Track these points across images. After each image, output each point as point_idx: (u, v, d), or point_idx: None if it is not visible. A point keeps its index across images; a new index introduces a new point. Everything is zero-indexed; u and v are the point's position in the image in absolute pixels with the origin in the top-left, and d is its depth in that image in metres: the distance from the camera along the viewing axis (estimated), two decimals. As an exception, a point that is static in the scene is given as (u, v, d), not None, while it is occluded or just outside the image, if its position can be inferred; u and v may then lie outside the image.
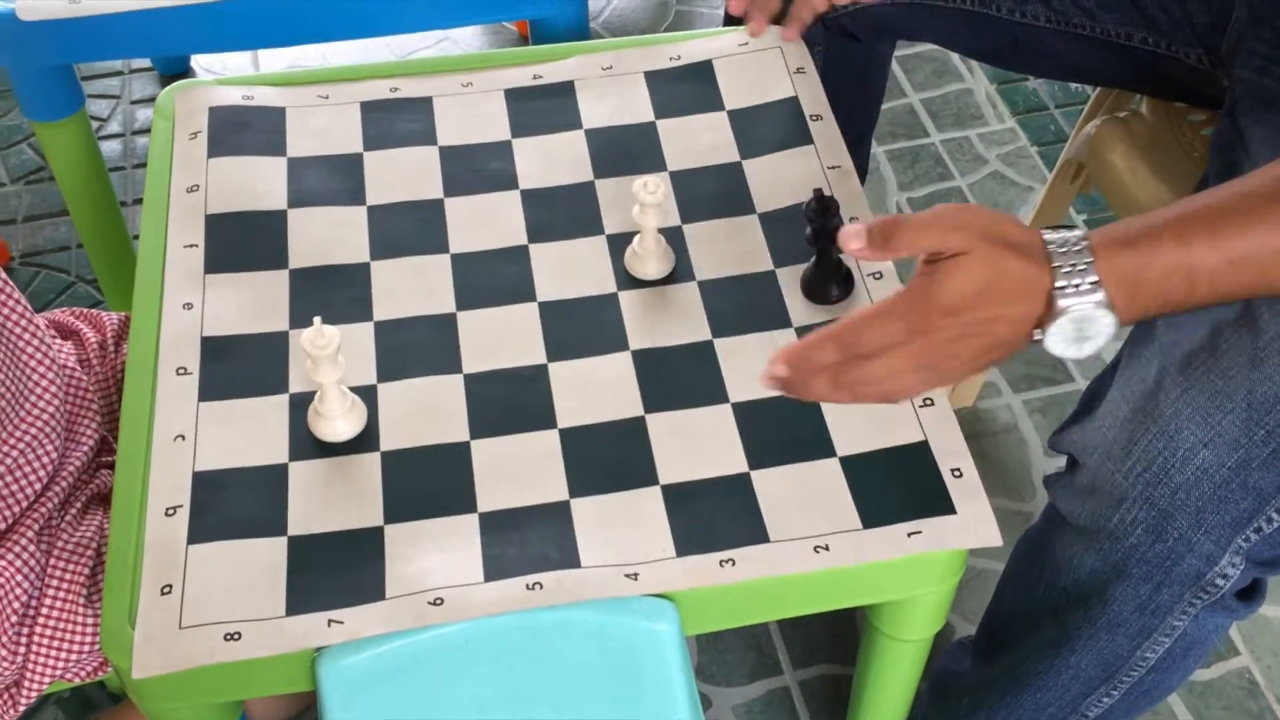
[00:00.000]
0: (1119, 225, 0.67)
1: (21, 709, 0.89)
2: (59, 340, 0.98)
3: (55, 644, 0.87)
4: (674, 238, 0.96)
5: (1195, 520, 0.79)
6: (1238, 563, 0.80)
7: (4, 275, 0.87)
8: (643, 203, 0.90)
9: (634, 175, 1.01)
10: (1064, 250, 0.66)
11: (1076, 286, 0.65)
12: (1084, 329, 0.66)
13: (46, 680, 0.88)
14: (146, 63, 1.86)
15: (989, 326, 0.67)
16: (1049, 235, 0.67)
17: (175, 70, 1.83)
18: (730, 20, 1.23)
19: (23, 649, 0.86)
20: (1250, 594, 0.86)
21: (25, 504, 0.87)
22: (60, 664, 0.87)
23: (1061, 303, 0.65)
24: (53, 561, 0.87)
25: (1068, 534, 0.87)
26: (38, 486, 0.87)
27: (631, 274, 0.94)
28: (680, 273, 0.94)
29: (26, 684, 0.88)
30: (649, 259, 0.93)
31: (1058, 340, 0.67)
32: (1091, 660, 0.89)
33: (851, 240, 0.68)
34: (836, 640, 1.27)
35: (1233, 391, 0.77)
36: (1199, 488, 0.78)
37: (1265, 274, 0.65)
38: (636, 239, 0.94)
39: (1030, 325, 0.67)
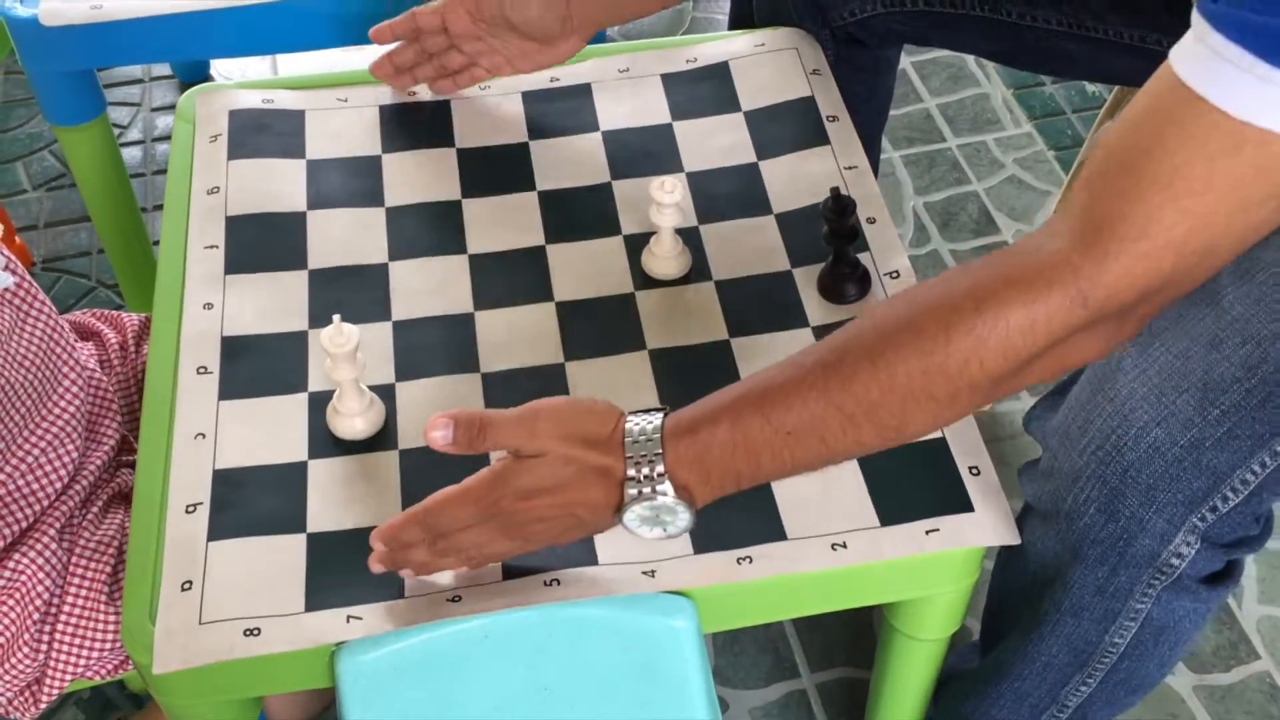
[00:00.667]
0: (691, 410, 0.71)
1: (43, 706, 0.89)
2: (80, 341, 0.99)
3: (76, 642, 0.87)
4: (691, 238, 0.97)
5: (1146, 498, 0.79)
6: (1192, 542, 0.80)
7: (29, 277, 0.88)
8: (660, 203, 0.90)
9: (651, 176, 1.01)
10: (637, 442, 0.70)
11: (647, 476, 0.70)
12: (660, 514, 0.71)
13: (68, 678, 0.88)
14: (167, 70, 1.88)
15: (566, 509, 0.72)
16: (629, 424, 0.71)
17: (195, 77, 1.85)
18: (737, 24, 1.24)
19: (44, 647, 0.87)
20: (1222, 579, 0.85)
21: (47, 502, 0.88)
22: (81, 662, 0.88)
23: (631, 491, 0.70)
24: (74, 560, 0.88)
25: (1033, 520, 0.88)
26: (59, 485, 0.88)
27: (649, 274, 0.94)
28: (697, 273, 0.95)
29: (48, 682, 0.88)
30: (666, 259, 0.94)
31: (636, 523, 0.72)
32: (1061, 646, 0.89)
33: (436, 431, 0.71)
34: (854, 643, 1.26)
35: (1189, 371, 0.77)
36: (1150, 466, 0.78)
37: (824, 441, 0.68)
38: (654, 239, 0.94)
39: (609, 510, 0.72)
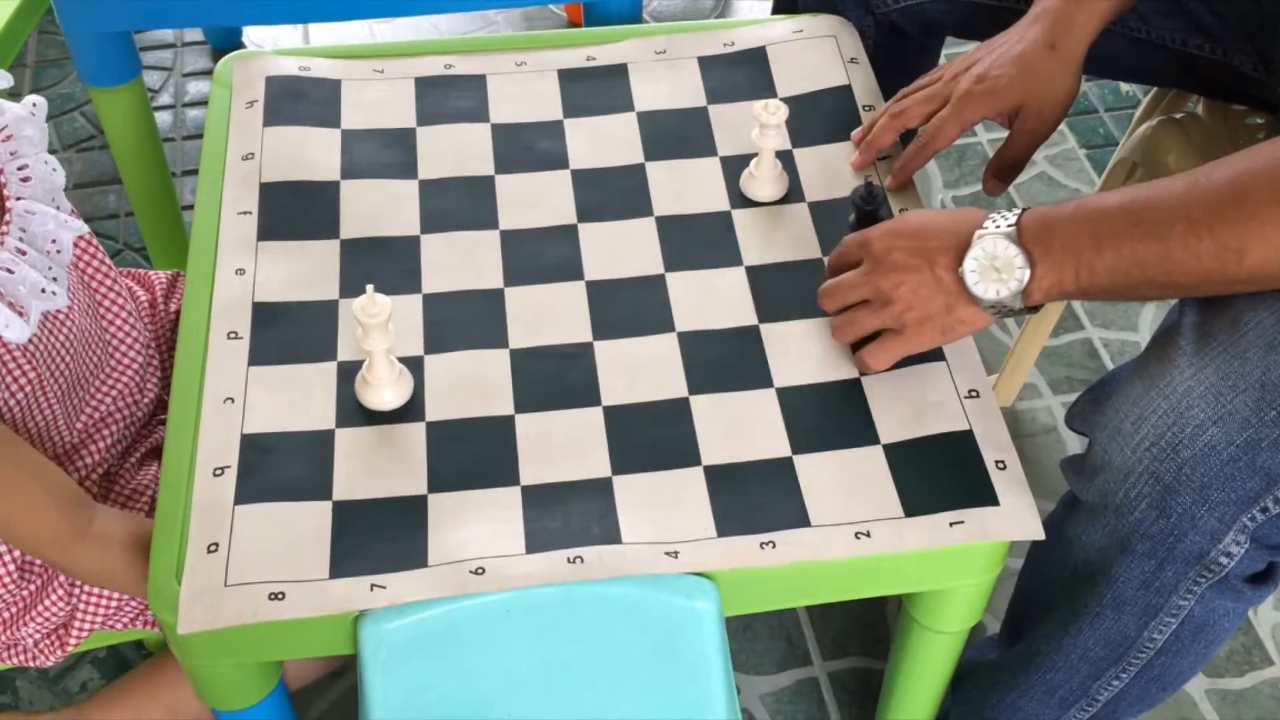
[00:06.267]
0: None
1: (69, 650, 0.91)
2: None
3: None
4: (722, 222, 0.97)
5: (1200, 496, 0.78)
6: (1242, 541, 0.79)
7: (94, 239, 0.88)
8: (763, 123, 0.94)
9: (685, 159, 1.01)
10: (993, 214, 0.81)
11: (1002, 218, 0.80)
12: (999, 268, 0.79)
13: (96, 622, 0.89)
14: (199, 35, 1.88)
15: (921, 253, 0.82)
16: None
17: (227, 44, 1.85)
18: (779, 8, 1.23)
19: (76, 589, 0.88)
20: (1263, 579, 0.85)
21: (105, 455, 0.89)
22: (104, 609, 0.89)
23: (987, 225, 0.80)
24: (109, 504, 0.89)
25: (1079, 512, 0.87)
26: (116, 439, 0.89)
27: (748, 196, 0.98)
28: (728, 258, 0.95)
29: (75, 626, 0.90)
30: (766, 181, 0.97)
31: (975, 271, 0.80)
32: (1099, 639, 0.89)
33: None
34: (867, 633, 1.27)
35: (1247, 372, 0.77)
36: (1205, 464, 0.77)
37: (1164, 242, 0.74)
38: (754, 162, 0.98)
39: (957, 249, 0.81)
